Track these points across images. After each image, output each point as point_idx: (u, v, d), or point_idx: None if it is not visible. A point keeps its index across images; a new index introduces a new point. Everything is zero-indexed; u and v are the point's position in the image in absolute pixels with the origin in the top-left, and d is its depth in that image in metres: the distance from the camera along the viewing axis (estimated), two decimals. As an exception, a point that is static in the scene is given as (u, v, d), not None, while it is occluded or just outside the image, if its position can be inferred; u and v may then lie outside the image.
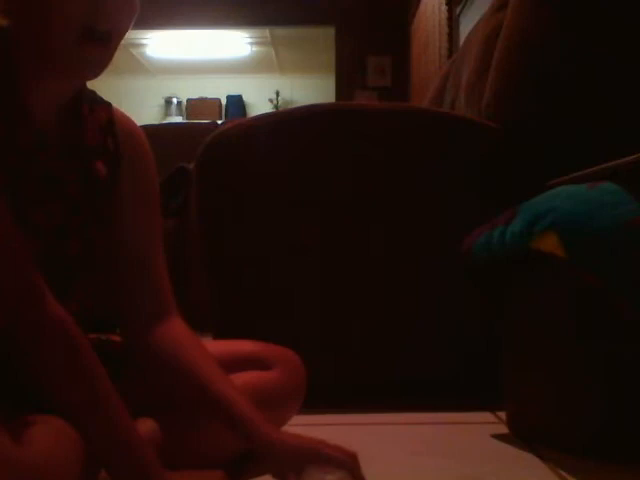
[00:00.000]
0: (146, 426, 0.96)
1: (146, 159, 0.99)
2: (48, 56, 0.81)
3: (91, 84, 0.92)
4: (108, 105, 0.96)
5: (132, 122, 0.99)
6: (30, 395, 0.75)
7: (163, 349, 0.95)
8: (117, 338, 1.04)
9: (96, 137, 0.92)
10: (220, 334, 1.60)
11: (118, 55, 0.85)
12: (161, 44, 6.78)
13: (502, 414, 1.36)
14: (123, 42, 0.85)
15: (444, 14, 4.27)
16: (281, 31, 6.49)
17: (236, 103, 7.74)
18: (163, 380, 0.98)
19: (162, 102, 7.89)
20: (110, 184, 0.93)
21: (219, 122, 5.23)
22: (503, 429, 1.31)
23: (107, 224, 0.93)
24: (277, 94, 7.79)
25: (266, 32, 6.52)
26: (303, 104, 1.70)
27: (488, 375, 1.36)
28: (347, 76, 5.91)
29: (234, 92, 7.80)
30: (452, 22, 4.19)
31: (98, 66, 0.82)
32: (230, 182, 1.61)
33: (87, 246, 0.89)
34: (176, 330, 0.98)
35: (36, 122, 0.83)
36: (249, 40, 6.88)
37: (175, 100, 7.86)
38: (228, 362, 1.02)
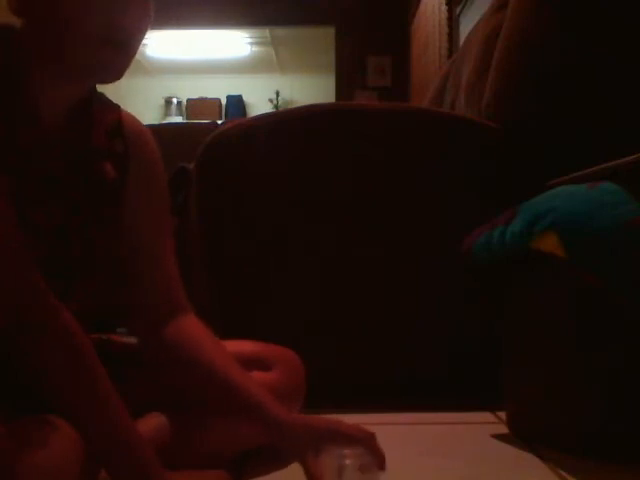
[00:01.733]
0: (155, 422, 0.96)
1: (154, 158, 1.00)
2: (65, 62, 0.82)
3: (92, 84, 0.92)
4: (117, 107, 0.97)
5: (138, 122, 1.00)
6: (30, 395, 0.75)
7: (179, 343, 0.96)
8: (117, 338, 1.04)
9: (103, 138, 0.92)
10: (220, 334, 1.60)
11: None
12: (161, 44, 6.76)
13: (502, 414, 1.35)
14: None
15: (444, 14, 4.26)
16: (281, 31, 6.48)
17: (236, 103, 7.73)
18: (177, 374, 0.98)
19: (162, 102, 7.88)
20: (118, 185, 0.93)
21: (219, 122, 5.23)
22: (503, 429, 1.31)
23: (108, 224, 0.93)
24: (277, 94, 7.78)
25: (266, 32, 6.51)
26: (303, 104, 1.70)
27: (488, 375, 1.35)
28: (347, 76, 5.91)
29: (234, 92, 7.79)
30: (452, 22, 4.18)
31: (116, 71, 0.84)
32: (230, 182, 1.61)
33: (87, 246, 0.89)
34: (191, 326, 0.99)
35: (44, 122, 0.84)
36: (249, 40, 6.87)
37: (175, 100, 7.85)
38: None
